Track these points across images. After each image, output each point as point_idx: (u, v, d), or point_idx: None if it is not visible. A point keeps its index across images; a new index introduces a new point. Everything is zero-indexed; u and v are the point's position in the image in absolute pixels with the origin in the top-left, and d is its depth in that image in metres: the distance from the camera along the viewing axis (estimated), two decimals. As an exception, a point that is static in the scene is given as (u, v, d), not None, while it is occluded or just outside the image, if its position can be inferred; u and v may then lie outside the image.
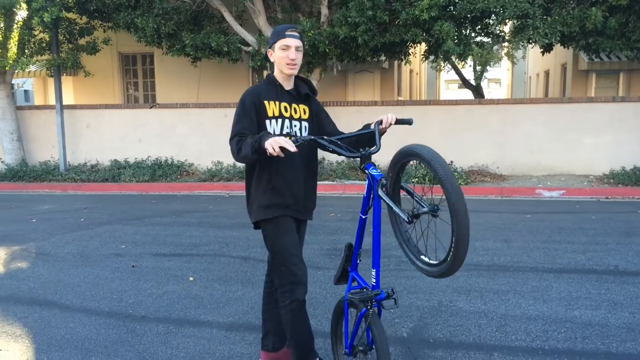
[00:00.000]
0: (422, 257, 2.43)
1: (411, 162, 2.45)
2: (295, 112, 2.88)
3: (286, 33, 2.77)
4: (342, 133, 2.89)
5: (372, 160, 2.70)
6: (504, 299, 4.32)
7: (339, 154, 2.67)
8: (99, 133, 12.51)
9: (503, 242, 6.01)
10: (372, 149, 2.65)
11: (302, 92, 2.91)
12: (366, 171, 2.62)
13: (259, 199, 2.83)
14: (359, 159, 2.65)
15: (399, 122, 2.74)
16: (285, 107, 2.84)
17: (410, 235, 2.57)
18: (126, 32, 11.89)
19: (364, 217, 2.75)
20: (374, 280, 2.63)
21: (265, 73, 13.10)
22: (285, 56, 2.77)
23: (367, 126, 2.81)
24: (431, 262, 2.35)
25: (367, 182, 2.66)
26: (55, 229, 7.18)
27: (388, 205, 2.43)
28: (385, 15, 8.97)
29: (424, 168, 2.47)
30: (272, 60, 2.85)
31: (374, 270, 2.62)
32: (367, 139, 2.83)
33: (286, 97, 2.87)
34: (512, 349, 3.46)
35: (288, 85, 2.89)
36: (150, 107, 12.06)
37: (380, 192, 2.47)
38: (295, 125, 2.86)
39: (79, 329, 3.95)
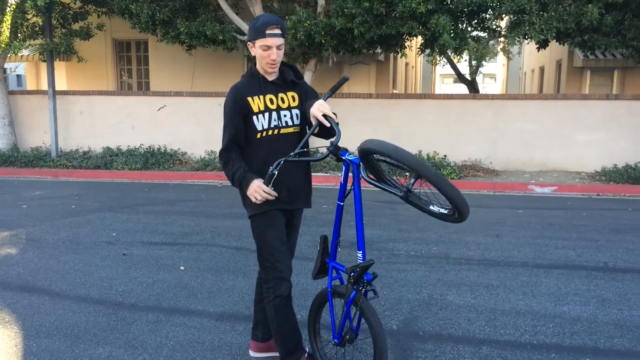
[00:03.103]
0: (432, 207, 2.47)
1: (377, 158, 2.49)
2: (283, 102, 2.81)
3: (267, 32, 2.64)
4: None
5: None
6: (494, 293, 4.35)
7: (314, 161, 2.71)
8: (91, 119, 12.42)
9: (494, 237, 6.04)
10: (334, 139, 2.60)
11: (288, 80, 2.84)
12: (343, 158, 2.60)
13: None
14: (334, 155, 2.63)
15: (333, 90, 2.68)
16: (271, 99, 2.78)
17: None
18: (120, 18, 11.78)
19: (342, 204, 2.74)
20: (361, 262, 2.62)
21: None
22: (267, 56, 2.69)
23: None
24: (442, 210, 2.43)
25: (343, 168, 2.66)
26: (45, 215, 7.13)
27: (377, 186, 2.54)
28: (382, 7, 8.93)
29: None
30: (252, 54, 2.78)
31: (360, 252, 2.61)
32: (327, 131, 2.76)
33: (271, 88, 2.80)
34: (501, 343, 3.49)
35: (272, 76, 2.82)
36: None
37: (363, 174, 2.52)
38: (285, 116, 2.80)
39: (69, 316, 3.93)
